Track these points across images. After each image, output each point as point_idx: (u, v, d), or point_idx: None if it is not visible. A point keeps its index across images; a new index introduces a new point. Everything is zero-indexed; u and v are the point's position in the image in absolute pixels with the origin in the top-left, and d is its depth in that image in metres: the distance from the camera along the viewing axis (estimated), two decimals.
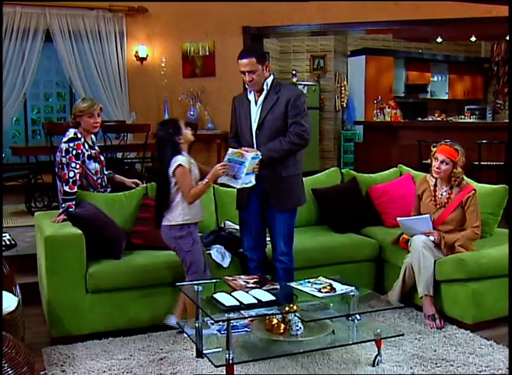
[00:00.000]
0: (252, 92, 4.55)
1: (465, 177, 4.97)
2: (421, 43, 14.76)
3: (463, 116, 12.58)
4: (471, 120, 11.89)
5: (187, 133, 4.38)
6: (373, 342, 3.92)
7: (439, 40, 12.93)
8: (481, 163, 8.31)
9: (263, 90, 4.50)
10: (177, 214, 4.31)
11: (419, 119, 11.79)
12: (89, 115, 4.99)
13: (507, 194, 5.28)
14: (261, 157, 4.26)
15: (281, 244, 4.56)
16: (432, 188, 4.97)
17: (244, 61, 4.41)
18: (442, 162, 4.80)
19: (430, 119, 11.72)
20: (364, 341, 3.97)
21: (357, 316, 3.98)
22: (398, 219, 4.98)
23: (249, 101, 4.56)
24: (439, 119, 11.56)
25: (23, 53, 9.30)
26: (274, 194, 4.50)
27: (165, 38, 10.07)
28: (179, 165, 4.26)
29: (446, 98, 15.83)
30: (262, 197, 4.55)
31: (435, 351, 4.13)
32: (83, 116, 4.99)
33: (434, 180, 4.98)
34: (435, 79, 15.66)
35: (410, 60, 14.99)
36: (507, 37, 12.05)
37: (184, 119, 9.49)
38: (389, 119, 10.97)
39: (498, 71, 15.47)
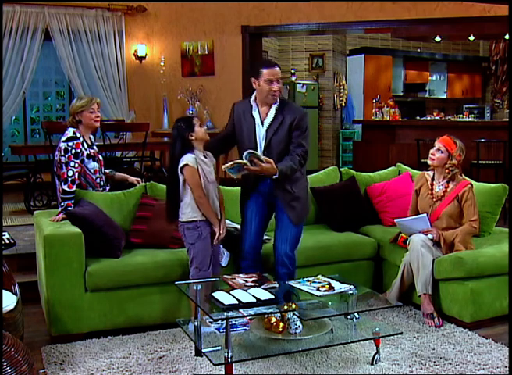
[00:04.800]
0: (256, 109, 4.55)
1: (463, 175, 5.01)
2: (420, 42, 14.79)
3: (461, 115, 12.60)
4: (470, 119, 11.88)
5: (200, 130, 4.34)
6: (371, 340, 3.92)
7: (438, 39, 12.94)
8: (480, 162, 8.33)
9: (269, 107, 4.52)
10: (187, 211, 4.35)
11: (418, 118, 11.81)
12: (90, 110, 5.03)
13: (506, 193, 5.30)
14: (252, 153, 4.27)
15: (287, 247, 4.55)
16: (429, 183, 5.02)
17: (277, 69, 4.47)
18: (437, 149, 4.89)
19: (428, 118, 11.73)
20: (363, 340, 3.98)
21: (356, 314, 3.98)
22: (395, 220, 4.99)
23: (253, 117, 4.55)
24: (437, 118, 11.56)
25: (22, 52, 9.34)
26: (290, 210, 4.54)
27: (164, 37, 10.10)
28: (186, 164, 4.28)
29: (445, 97, 15.87)
30: (270, 204, 4.62)
31: (434, 349, 4.13)
32: (83, 112, 5.01)
33: (431, 174, 5.04)
34: (434, 78, 15.70)
35: (409, 59, 15.02)
36: (506, 36, 12.06)
37: None
38: (388, 118, 10.98)
39: (496, 70, 15.51)
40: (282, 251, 4.55)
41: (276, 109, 4.51)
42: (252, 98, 4.58)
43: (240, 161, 4.27)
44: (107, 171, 5.39)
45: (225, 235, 4.50)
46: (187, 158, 4.28)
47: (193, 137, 4.31)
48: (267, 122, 4.50)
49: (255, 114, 4.53)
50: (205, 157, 4.40)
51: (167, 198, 4.46)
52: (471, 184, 4.91)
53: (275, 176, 4.33)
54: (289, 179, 4.45)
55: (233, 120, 4.65)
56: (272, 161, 4.30)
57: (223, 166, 4.24)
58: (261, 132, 4.52)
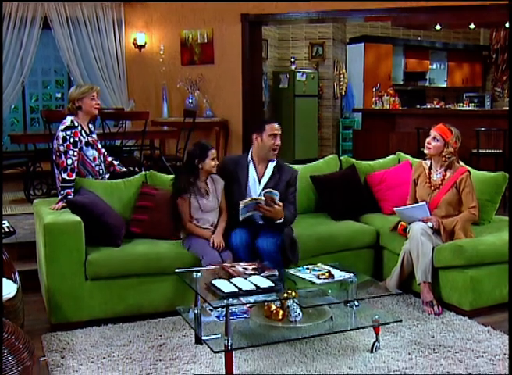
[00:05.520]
0: (253, 167, 4.81)
1: (461, 162, 5.02)
2: (420, 30, 14.74)
3: (461, 104, 12.59)
4: (470, 108, 11.88)
5: (209, 163, 4.67)
6: (371, 328, 3.93)
7: (438, 27, 12.89)
8: (480, 151, 8.32)
9: (266, 165, 4.80)
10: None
11: (418, 106, 11.79)
12: (90, 97, 5.05)
13: (506, 182, 5.29)
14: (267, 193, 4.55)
15: (271, 247, 4.60)
16: (426, 171, 5.04)
17: (278, 125, 4.78)
18: (433, 138, 4.92)
19: (429, 106, 11.72)
20: (363, 327, 3.98)
21: (356, 302, 3.98)
22: (395, 209, 5.00)
23: (248, 174, 4.80)
24: (437, 106, 11.56)
25: (21, 41, 9.31)
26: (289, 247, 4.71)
27: (163, 26, 10.06)
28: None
29: (445, 85, 15.83)
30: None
31: (433, 337, 4.14)
32: (84, 98, 5.02)
33: (429, 163, 5.06)
34: (434, 66, 15.65)
35: (409, 48, 14.96)
36: (507, 25, 12.02)
37: (183, 107, 9.51)
38: (388, 107, 10.97)
39: (497, 59, 15.45)
40: (266, 247, 4.57)
41: (274, 167, 4.81)
42: (249, 156, 4.85)
43: (257, 197, 4.57)
44: (115, 163, 5.41)
45: None
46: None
47: (200, 166, 4.66)
48: (264, 180, 4.81)
49: (251, 171, 4.81)
50: (207, 184, 4.74)
51: (172, 212, 4.80)
52: (469, 171, 4.93)
53: (279, 221, 4.62)
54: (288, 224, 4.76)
55: (223, 174, 4.85)
56: (281, 204, 4.58)
57: (241, 202, 4.49)
58: (256, 189, 4.78)
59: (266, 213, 4.59)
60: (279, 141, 4.76)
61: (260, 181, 4.82)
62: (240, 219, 4.57)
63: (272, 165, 4.85)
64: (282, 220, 4.64)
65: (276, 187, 4.72)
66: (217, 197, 4.78)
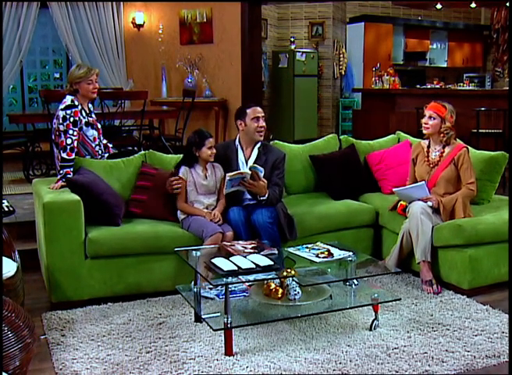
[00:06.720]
0: (241, 151, 4.92)
1: (458, 140, 5.03)
2: (421, 10, 14.65)
3: (462, 84, 12.55)
4: (470, 88, 11.84)
5: (206, 152, 4.71)
6: (370, 307, 3.95)
7: (439, 6, 12.81)
8: (480, 131, 8.29)
9: (253, 148, 4.92)
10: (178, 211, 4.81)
11: (418, 86, 11.75)
12: (87, 82, 5.00)
13: (505, 161, 5.28)
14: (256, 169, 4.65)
15: (266, 218, 4.66)
16: (425, 150, 5.06)
17: (259, 108, 4.90)
18: (429, 117, 4.94)
19: (429, 86, 11.68)
20: (362, 306, 4.00)
21: (355, 280, 4.01)
22: (394, 189, 5.01)
23: (237, 157, 4.90)
24: (437, 86, 11.52)
25: (19, 20, 9.23)
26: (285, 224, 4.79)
27: (162, 5, 9.98)
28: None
29: (445, 65, 15.78)
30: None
31: (432, 315, 4.16)
32: (81, 82, 4.98)
33: (427, 142, 5.07)
34: (434, 46, 15.59)
35: (410, 27, 14.90)
36: (507, 4, 11.94)
37: (182, 86, 9.47)
38: (388, 87, 10.94)
39: (497, 39, 15.36)
40: (261, 220, 4.63)
41: (259, 149, 4.90)
42: (237, 141, 4.96)
43: (243, 171, 4.66)
44: (110, 145, 5.40)
45: None
46: (180, 170, 4.76)
47: (197, 154, 4.72)
48: (251, 161, 4.88)
49: (240, 155, 4.92)
50: (207, 169, 4.79)
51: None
52: (467, 148, 4.95)
53: (262, 197, 4.69)
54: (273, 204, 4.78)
55: (216, 160, 4.88)
56: (266, 181, 4.68)
57: (228, 175, 4.59)
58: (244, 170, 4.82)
59: (250, 188, 4.65)
60: (262, 123, 4.85)
61: (247, 163, 4.87)
62: (224, 193, 4.69)
63: (257, 147, 4.92)
64: (265, 197, 4.70)
65: (262, 167, 4.76)
66: (215, 181, 4.80)
